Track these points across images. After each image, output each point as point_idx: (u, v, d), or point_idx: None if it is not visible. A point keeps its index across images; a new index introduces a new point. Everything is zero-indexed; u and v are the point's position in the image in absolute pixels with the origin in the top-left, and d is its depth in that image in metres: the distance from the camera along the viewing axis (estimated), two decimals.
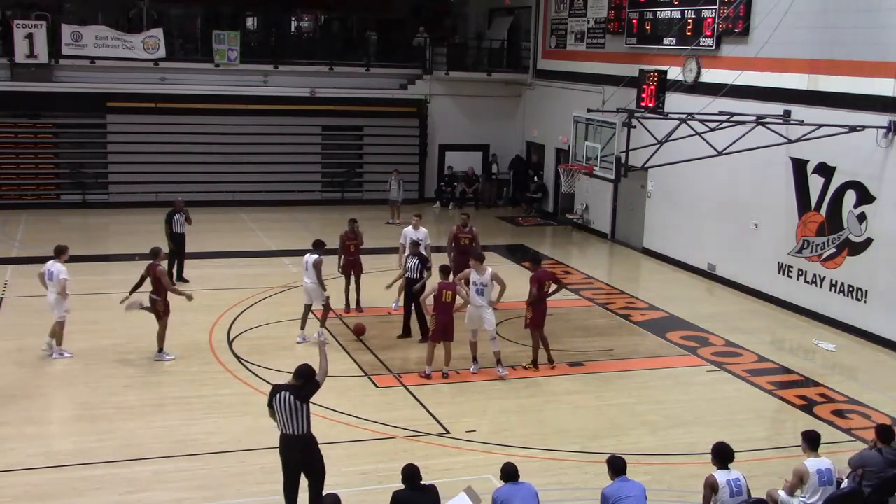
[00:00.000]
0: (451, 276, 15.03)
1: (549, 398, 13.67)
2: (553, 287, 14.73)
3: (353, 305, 17.36)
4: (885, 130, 16.32)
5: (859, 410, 13.56)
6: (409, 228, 17.38)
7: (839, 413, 13.46)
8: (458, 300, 14.15)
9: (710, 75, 20.49)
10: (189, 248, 19.24)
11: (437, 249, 18.53)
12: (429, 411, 12.87)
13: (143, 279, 14.61)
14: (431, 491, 8.38)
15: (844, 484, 9.14)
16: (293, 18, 32.61)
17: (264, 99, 28.09)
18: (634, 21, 23.35)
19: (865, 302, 16.96)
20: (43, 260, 15.19)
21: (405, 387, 13.80)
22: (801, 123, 17.37)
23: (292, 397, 9.11)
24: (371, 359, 14.95)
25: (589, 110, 17.62)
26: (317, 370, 9.46)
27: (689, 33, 21.06)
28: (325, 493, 8.72)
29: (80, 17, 28.63)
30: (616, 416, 13.06)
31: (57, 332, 14.45)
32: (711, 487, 8.48)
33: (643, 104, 17.44)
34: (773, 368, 15.35)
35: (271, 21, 31.60)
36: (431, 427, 12.33)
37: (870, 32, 16.54)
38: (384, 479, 10.42)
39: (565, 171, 18.02)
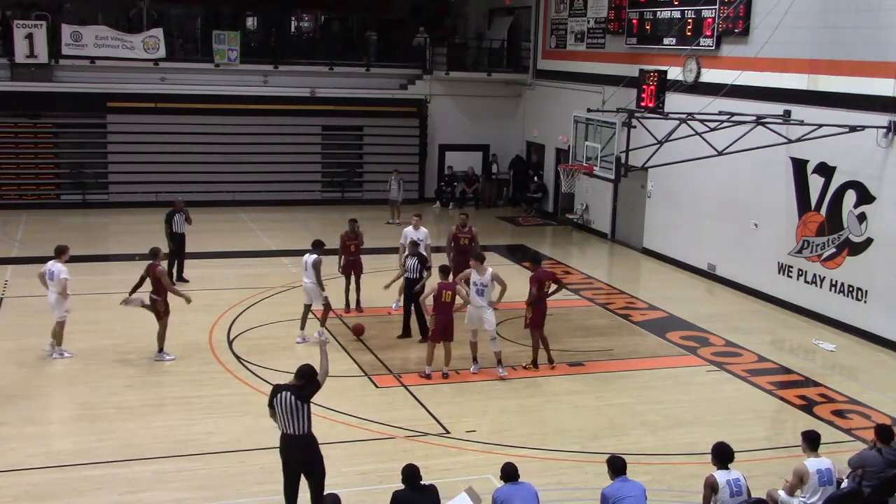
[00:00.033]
0: (451, 276, 15.03)
1: (549, 398, 13.67)
2: (553, 287, 14.73)
3: (353, 305, 17.37)
4: (885, 130, 16.32)
5: (859, 410, 13.56)
6: (410, 228, 17.37)
7: (839, 413, 13.46)
8: (458, 300, 14.15)
9: (710, 75, 20.49)
10: (189, 248, 19.25)
11: (437, 249, 18.52)
12: (429, 411, 12.86)
13: (142, 279, 14.61)
14: (431, 491, 8.37)
15: (844, 484, 9.13)
16: (293, 18, 32.59)
17: (264, 99, 28.08)
18: (634, 21, 23.35)
19: (865, 302, 16.96)
20: (43, 260, 15.19)
21: (405, 387, 13.80)
22: (801, 123, 17.37)
23: (293, 397, 9.11)
24: (371, 359, 14.95)
25: (589, 110, 17.61)
26: (317, 370, 9.47)
27: (689, 33, 21.06)
28: (325, 493, 8.73)
29: (80, 17, 28.61)
30: (616, 416, 13.06)
31: (57, 333, 14.46)
32: (711, 487, 8.48)
33: (643, 104, 17.44)
34: (773, 368, 15.35)
35: (271, 21, 31.59)
36: (431, 427, 12.33)
37: (870, 32, 16.54)
38: (384, 479, 10.42)
39: (565, 171, 18.02)
